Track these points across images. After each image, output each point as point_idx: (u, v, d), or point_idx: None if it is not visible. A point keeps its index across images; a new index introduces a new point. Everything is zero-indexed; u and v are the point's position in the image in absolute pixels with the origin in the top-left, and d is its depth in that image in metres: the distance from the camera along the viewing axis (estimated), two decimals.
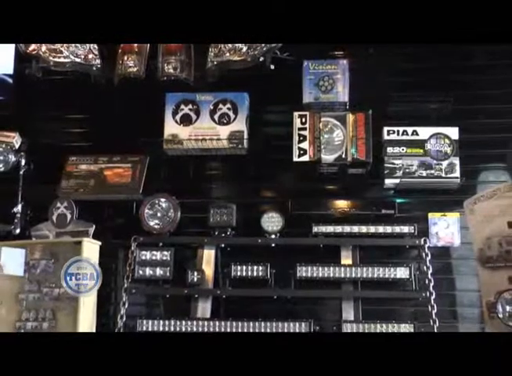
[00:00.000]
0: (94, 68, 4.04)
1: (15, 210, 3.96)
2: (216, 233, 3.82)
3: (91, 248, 3.74)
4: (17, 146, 4.02)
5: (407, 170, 3.74)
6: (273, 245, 3.77)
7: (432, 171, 3.72)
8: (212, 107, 3.94)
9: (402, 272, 3.62)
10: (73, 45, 3.99)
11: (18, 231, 3.97)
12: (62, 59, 4.00)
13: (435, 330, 3.46)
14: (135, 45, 4.04)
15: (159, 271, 3.75)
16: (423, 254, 3.64)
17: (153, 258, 3.77)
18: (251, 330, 3.58)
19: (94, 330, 3.69)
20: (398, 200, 3.85)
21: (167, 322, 3.65)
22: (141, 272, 3.76)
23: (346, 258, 3.74)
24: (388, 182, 3.76)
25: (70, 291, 3.67)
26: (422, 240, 3.67)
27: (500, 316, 2.57)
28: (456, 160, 3.72)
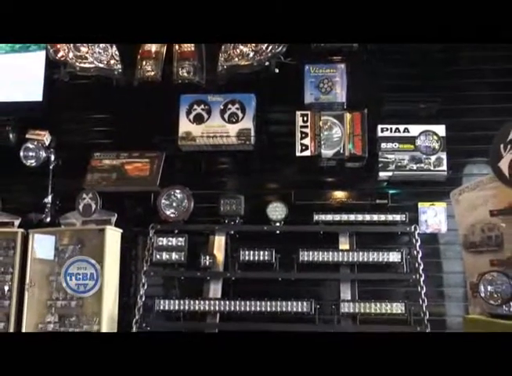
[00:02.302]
0: (115, 73, 4.06)
1: (45, 200, 4.02)
2: (226, 221, 3.85)
3: (113, 235, 3.80)
4: (47, 144, 4.06)
5: (399, 164, 3.75)
6: (278, 232, 3.80)
7: (422, 165, 3.74)
8: (222, 107, 3.97)
9: (394, 257, 3.65)
10: (96, 51, 4.02)
11: (48, 219, 4.02)
12: (87, 65, 4.03)
13: (424, 309, 3.49)
14: (153, 51, 4.08)
15: (174, 256, 3.78)
16: (414, 240, 3.66)
17: (169, 243, 3.80)
18: (258, 309, 3.62)
19: (116, 309, 3.75)
20: (391, 191, 3.87)
21: (182, 301, 3.68)
22: (158, 256, 3.78)
23: (344, 244, 3.76)
24: (382, 174, 3.79)
25: (69, 291, 3.73)
26: (412, 227, 3.69)
27: (482, 295, 2.57)
28: (444, 155, 3.73)
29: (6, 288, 3.82)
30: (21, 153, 4.01)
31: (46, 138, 4.05)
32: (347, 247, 3.74)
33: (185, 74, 4.02)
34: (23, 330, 3.75)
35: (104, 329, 3.60)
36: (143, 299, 3.73)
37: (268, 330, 3.54)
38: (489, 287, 2.55)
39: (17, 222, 3.98)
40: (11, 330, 3.74)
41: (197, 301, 3.68)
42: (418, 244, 3.64)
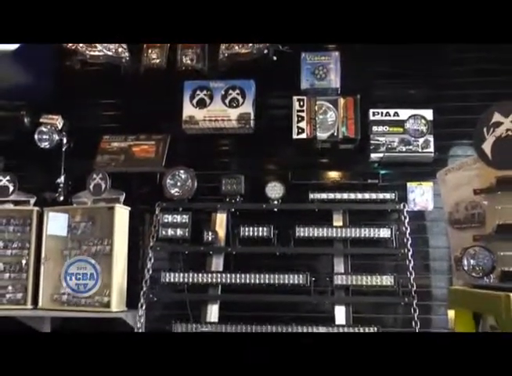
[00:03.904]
0: (123, 60, 4.05)
1: (58, 181, 4.01)
2: (227, 200, 3.85)
3: (122, 213, 3.82)
4: (60, 127, 4.04)
5: (389, 146, 3.75)
6: (276, 210, 3.80)
7: (410, 147, 3.74)
8: (223, 93, 3.96)
9: (384, 232, 3.66)
10: None
11: (61, 198, 4.01)
12: (96, 53, 4.02)
13: (412, 281, 3.52)
14: None
15: (179, 232, 3.79)
16: (402, 217, 3.67)
17: (174, 220, 3.80)
18: (257, 282, 3.64)
19: (125, 282, 3.78)
20: (382, 172, 3.87)
21: (186, 274, 3.71)
22: (164, 232, 3.80)
23: (337, 221, 3.77)
24: (373, 156, 3.79)
25: (70, 291, 3.73)
26: (401, 205, 3.69)
27: (465, 268, 2.59)
28: (431, 138, 3.73)
29: (24, 262, 3.85)
30: (35, 136, 4.00)
31: (59, 122, 4.04)
32: (340, 223, 3.75)
33: (189, 62, 4.01)
34: (40, 300, 3.79)
35: (114, 300, 3.63)
36: (150, 272, 3.75)
37: (267, 301, 3.65)
38: (472, 261, 2.57)
39: (33, 201, 3.99)
40: (29, 300, 3.78)
41: (200, 274, 3.71)
42: (406, 220, 3.65)
